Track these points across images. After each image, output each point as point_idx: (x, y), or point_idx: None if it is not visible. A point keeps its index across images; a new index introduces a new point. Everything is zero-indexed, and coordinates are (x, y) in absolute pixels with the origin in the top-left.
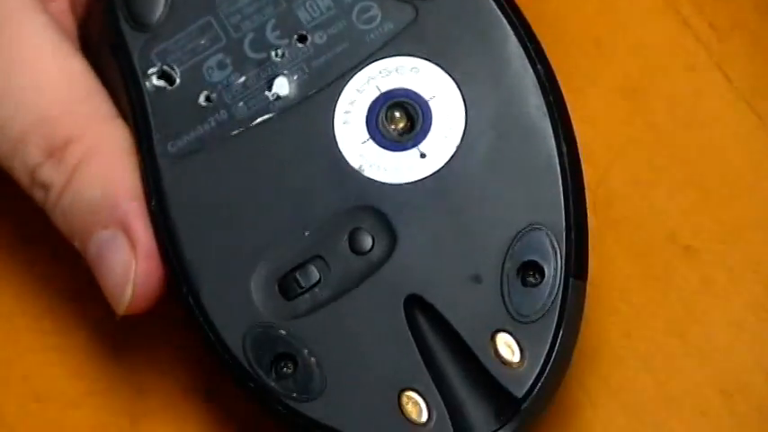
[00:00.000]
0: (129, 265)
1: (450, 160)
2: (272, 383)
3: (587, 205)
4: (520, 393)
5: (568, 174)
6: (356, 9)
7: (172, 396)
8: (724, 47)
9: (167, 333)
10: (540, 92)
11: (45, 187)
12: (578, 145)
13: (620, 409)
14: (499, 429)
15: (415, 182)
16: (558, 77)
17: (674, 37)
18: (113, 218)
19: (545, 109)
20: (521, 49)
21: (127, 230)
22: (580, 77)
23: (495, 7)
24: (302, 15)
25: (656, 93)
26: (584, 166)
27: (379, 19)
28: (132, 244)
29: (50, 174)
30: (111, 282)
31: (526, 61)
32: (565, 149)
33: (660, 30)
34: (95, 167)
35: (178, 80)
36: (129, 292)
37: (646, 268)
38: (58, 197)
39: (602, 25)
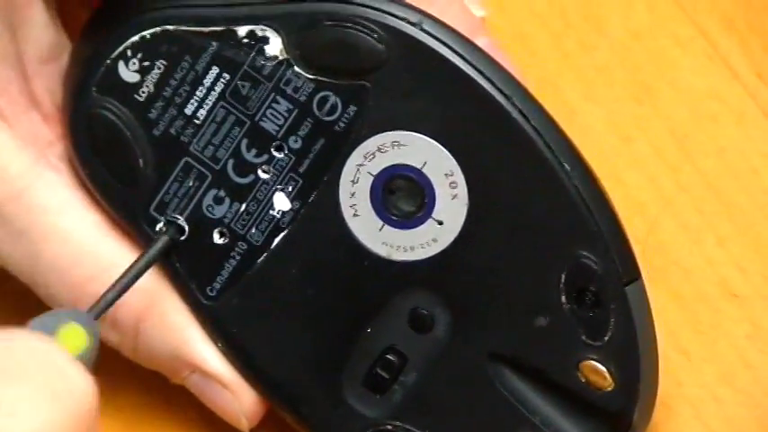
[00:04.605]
0: (231, 400)
1: (467, 218)
2: None
3: (633, 250)
4: (624, 410)
5: (581, 188)
6: (315, 103)
7: None
8: None
9: None
10: (520, 116)
11: (114, 346)
12: (587, 163)
13: None
14: None
15: (444, 250)
16: (608, 125)
17: (722, 86)
18: (192, 366)
19: (531, 134)
20: (482, 81)
21: (210, 375)
22: (630, 125)
23: (441, 52)
24: (268, 126)
25: (705, 140)
26: (633, 216)
27: (340, 106)
28: (223, 384)
29: (112, 337)
30: (225, 415)
31: (492, 91)
32: (568, 167)
33: (709, 79)
34: (152, 325)
35: (186, 228)
36: (244, 421)
37: (696, 316)
38: (133, 355)
39: (651, 73)
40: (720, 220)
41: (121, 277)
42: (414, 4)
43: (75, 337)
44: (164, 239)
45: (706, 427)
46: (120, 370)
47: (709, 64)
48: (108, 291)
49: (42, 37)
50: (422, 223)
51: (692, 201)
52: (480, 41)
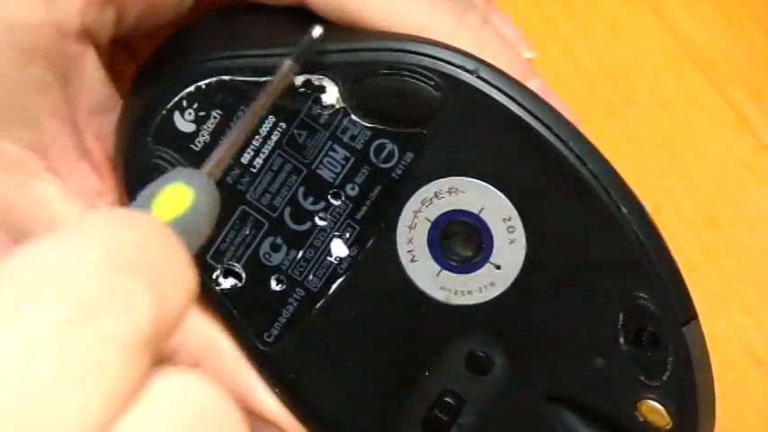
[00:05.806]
0: None
1: (525, 262)
2: None
3: (688, 290)
4: None
5: (638, 231)
6: (372, 151)
7: None
8: None
9: None
10: (577, 161)
11: None
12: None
13: None
14: None
15: (502, 293)
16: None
17: (749, 156)
18: (249, 411)
19: (588, 177)
20: (539, 127)
21: (267, 420)
22: (657, 194)
23: (498, 99)
24: (325, 174)
25: (731, 209)
26: None
27: (396, 153)
28: (280, 429)
29: None
30: None
31: (549, 136)
32: (625, 210)
33: (736, 149)
34: (209, 372)
35: (244, 275)
36: None
37: (722, 382)
38: None
39: (678, 142)
40: (747, 289)
41: (232, 131)
42: (466, 49)
43: (177, 198)
44: (288, 64)
45: None
46: None
47: (737, 134)
48: (220, 147)
49: (94, 89)
50: (480, 268)
51: (718, 269)
52: (532, 84)
